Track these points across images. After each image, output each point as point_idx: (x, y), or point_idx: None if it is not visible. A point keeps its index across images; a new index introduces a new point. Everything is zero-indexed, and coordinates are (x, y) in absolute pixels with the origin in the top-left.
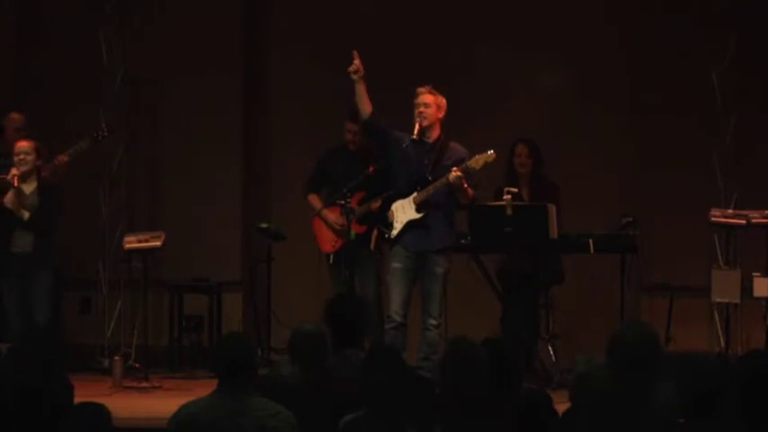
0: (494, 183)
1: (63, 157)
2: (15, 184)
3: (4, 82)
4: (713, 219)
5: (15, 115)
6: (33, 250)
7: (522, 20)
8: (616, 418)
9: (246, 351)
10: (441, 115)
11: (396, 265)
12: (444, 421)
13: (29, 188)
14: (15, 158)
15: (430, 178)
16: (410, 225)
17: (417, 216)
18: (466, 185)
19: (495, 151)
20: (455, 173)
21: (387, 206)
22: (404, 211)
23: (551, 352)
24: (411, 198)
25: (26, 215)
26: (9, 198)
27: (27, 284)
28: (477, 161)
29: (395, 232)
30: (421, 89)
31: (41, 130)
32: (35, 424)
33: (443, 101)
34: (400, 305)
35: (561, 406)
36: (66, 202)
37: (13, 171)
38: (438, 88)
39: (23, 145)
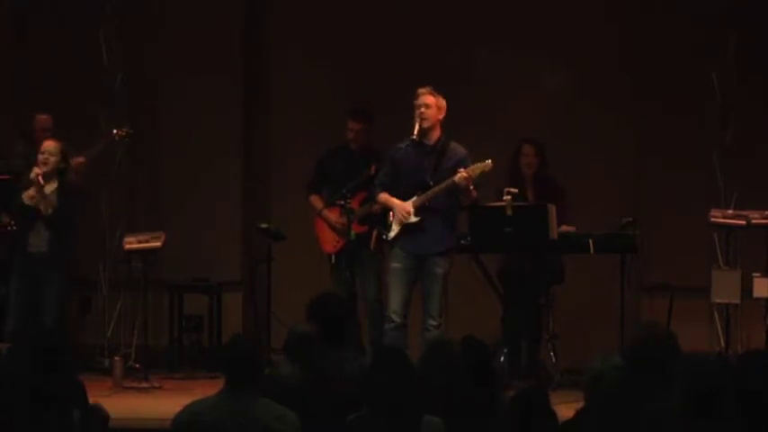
0: (497, 184)
1: (80, 159)
2: (41, 182)
3: (5, 82)
4: (713, 219)
5: (42, 116)
6: (48, 250)
7: (522, 20)
8: (625, 419)
9: (253, 353)
10: (441, 116)
11: (395, 265)
12: None
13: (50, 188)
14: (39, 157)
15: (431, 183)
16: (407, 228)
17: (414, 220)
18: (472, 187)
19: (492, 160)
20: (462, 174)
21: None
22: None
23: (551, 352)
24: (411, 201)
25: (49, 211)
26: (30, 195)
27: (37, 284)
28: (474, 170)
29: (392, 234)
30: (421, 90)
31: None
32: (40, 423)
33: (443, 102)
34: (399, 306)
35: (561, 406)
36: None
37: (36, 170)
38: (438, 89)
39: (49, 145)
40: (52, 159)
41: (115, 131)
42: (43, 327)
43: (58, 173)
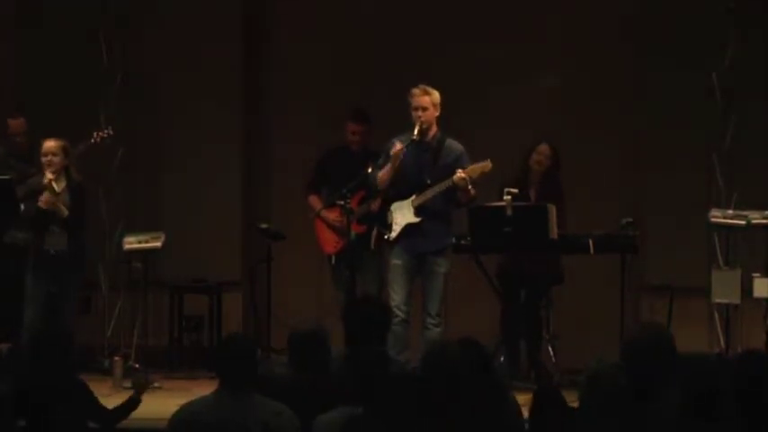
0: (502, 179)
1: None
2: (55, 187)
3: (6, 82)
4: (713, 219)
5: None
6: (68, 249)
7: (523, 21)
8: (624, 419)
9: (249, 351)
10: (437, 113)
11: (396, 261)
12: (431, 423)
13: (60, 186)
14: (43, 159)
15: (429, 182)
16: (408, 228)
17: (415, 220)
18: (470, 186)
19: (491, 161)
20: (460, 175)
21: (386, 206)
22: (402, 214)
23: (551, 352)
24: (410, 200)
25: (65, 213)
26: (45, 199)
27: (57, 284)
28: (474, 170)
29: (393, 234)
30: (415, 90)
31: (42, 130)
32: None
33: (437, 96)
34: (403, 301)
35: None
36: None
37: (49, 175)
38: (431, 84)
39: (50, 146)
40: (56, 159)
41: (96, 133)
42: (63, 326)
43: (65, 170)
